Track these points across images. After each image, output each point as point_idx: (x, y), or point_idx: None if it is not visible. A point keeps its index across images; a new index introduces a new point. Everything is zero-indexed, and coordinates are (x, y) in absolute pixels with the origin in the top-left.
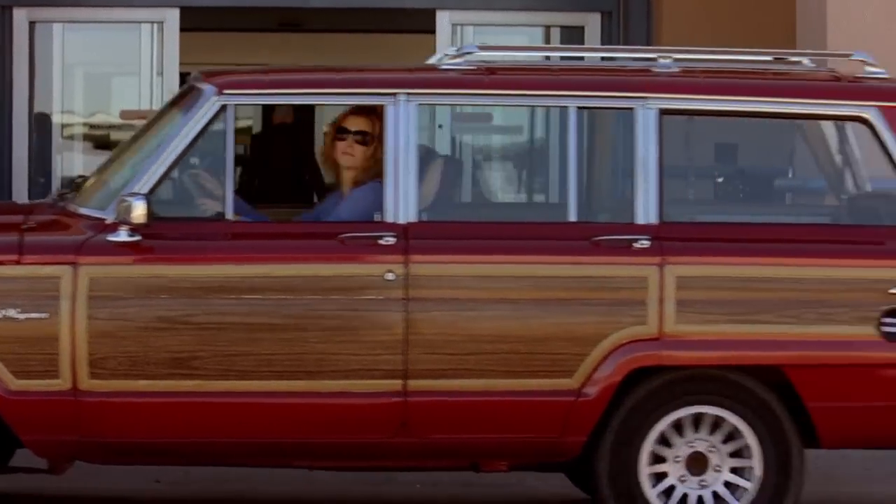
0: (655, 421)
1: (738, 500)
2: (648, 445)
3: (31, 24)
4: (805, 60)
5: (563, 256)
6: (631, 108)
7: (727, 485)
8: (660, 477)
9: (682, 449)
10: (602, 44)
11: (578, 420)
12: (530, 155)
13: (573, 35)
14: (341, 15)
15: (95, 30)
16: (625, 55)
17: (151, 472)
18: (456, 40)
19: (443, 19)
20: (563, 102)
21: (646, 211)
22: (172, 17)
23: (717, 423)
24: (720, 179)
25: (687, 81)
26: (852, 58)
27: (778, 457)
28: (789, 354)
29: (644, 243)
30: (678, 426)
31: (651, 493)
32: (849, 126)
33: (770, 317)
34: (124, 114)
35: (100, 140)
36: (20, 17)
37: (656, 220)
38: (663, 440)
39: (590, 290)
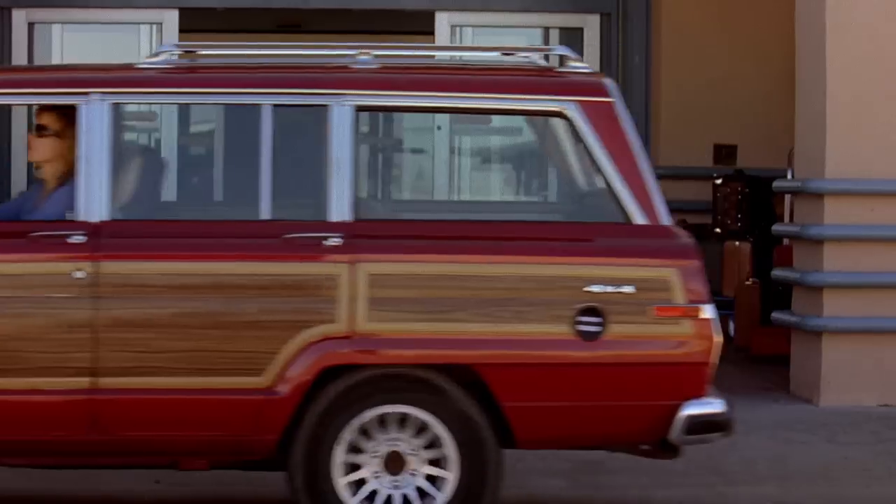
0: (349, 420)
1: (434, 499)
2: (342, 444)
3: (31, 24)
4: (534, 55)
5: (253, 254)
6: (326, 105)
7: (424, 483)
8: (356, 475)
9: (377, 448)
10: (601, 45)
11: (270, 418)
12: (235, 153)
13: (572, 36)
14: (340, 16)
15: (94, 31)
16: (328, 52)
17: (151, 472)
18: (455, 41)
19: (441, 21)
20: (258, 100)
21: (339, 208)
22: (171, 18)
23: (412, 422)
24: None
25: (384, 78)
26: (554, 52)
27: (473, 456)
28: (483, 353)
29: (335, 241)
30: (373, 425)
31: (345, 492)
32: (560, 121)
33: (463, 315)
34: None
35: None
36: (19, 17)
37: (350, 218)
38: (359, 439)
39: (280, 287)
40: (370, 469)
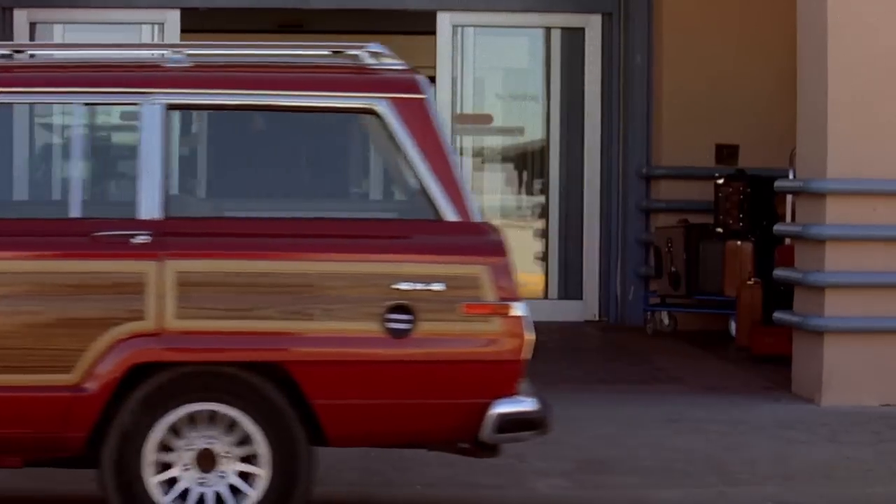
0: (159, 417)
1: (246, 496)
2: (153, 442)
3: (32, 24)
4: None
5: (62, 252)
6: (137, 104)
7: (236, 481)
8: (167, 473)
9: (189, 446)
10: (603, 45)
11: (79, 416)
12: (46, 151)
13: (574, 36)
14: (342, 16)
15: (96, 31)
16: (136, 52)
17: None
18: (457, 41)
19: (443, 21)
20: (69, 99)
21: (149, 206)
22: (173, 18)
23: (223, 419)
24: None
25: (194, 76)
26: (366, 49)
27: (284, 454)
28: (292, 351)
29: (143, 239)
30: (185, 423)
31: (156, 490)
32: (373, 118)
33: (273, 312)
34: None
35: (101, 142)
36: (21, 18)
37: (160, 216)
38: (170, 437)
39: (89, 285)
40: (182, 467)
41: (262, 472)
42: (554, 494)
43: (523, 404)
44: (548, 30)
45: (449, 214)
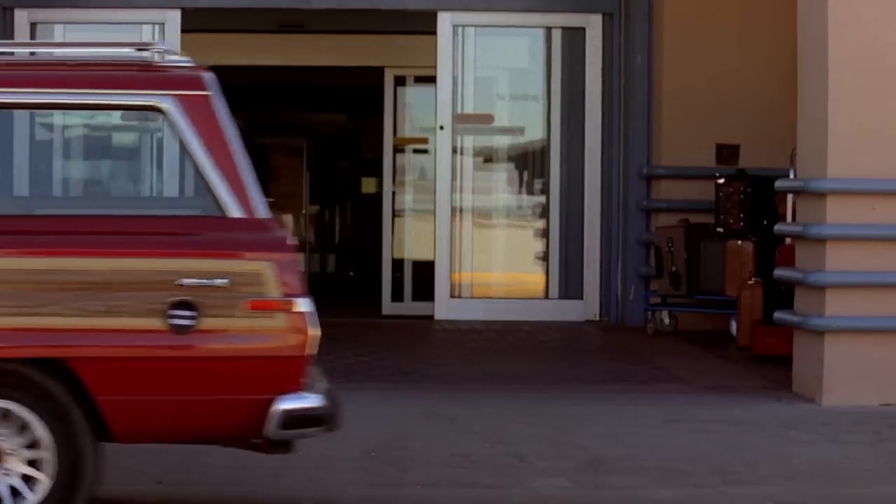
0: None
1: (33, 492)
2: None
3: (33, 25)
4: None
5: None
6: None
7: (23, 478)
8: None
9: None
10: (604, 45)
11: None
12: None
13: (574, 36)
14: (343, 16)
15: (96, 31)
16: None
17: (153, 473)
18: (457, 41)
19: (444, 21)
20: None
21: None
22: (173, 18)
23: (8, 416)
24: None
25: None
26: (154, 48)
27: (69, 450)
28: (74, 347)
29: None
30: None
31: None
32: (159, 115)
33: (55, 309)
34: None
35: (101, 142)
36: (21, 18)
37: None
38: None
39: None
40: None
41: (48, 468)
42: (554, 494)
43: (308, 400)
44: (548, 30)
45: (234, 211)
